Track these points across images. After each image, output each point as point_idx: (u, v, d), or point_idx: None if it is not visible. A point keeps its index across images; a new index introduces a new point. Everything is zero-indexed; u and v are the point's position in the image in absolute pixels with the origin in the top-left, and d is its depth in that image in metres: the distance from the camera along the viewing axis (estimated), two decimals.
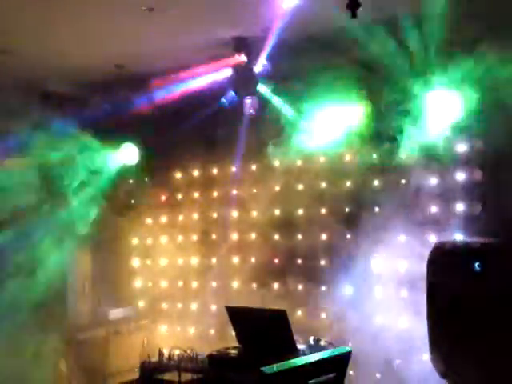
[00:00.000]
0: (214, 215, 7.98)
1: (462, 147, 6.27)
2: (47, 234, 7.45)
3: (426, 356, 5.78)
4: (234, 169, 7.82)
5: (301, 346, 5.57)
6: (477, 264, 5.28)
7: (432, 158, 6.34)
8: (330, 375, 4.87)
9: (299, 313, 7.01)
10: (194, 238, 8.11)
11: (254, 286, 7.52)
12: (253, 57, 6.93)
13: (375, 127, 6.60)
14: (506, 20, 5.77)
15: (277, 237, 7.41)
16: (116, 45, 6.85)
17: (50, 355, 7.32)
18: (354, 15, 4.97)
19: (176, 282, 8.19)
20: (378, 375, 6.54)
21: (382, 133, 6.57)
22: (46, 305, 7.51)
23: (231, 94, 7.21)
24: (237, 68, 7.03)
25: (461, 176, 6.27)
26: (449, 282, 5.41)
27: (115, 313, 8.04)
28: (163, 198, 8.40)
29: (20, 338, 7.23)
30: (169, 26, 6.41)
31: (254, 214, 7.61)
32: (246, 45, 6.88)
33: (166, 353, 5.91)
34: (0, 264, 7.18)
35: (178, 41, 6.72)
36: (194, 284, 8.05)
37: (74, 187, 7.71)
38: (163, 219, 8.39)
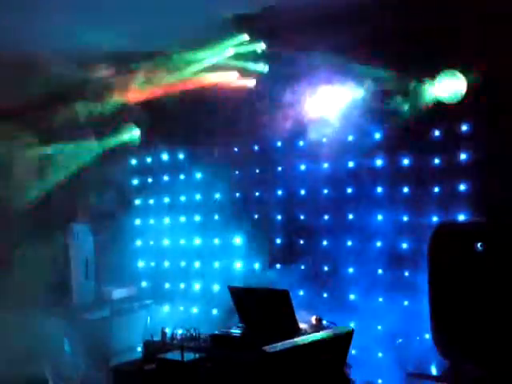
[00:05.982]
0: (217, 196, 7.97)
1: (464, 128, 6.24)
2: None
3: (428, 335, 5.83)
4: (235, 149, 7.80)
5: (303, 326, 5.59)
6: (479, 244, 5.29)
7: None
8: (332, 354, 4.91)
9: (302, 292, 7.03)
10: (197, 218, 8.11)
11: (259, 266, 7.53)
12: (254, 36, 6.88)
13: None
14: None
15: (279, 217, 7.43)
16: None
17: (54, 335, 7.36)
18: None
19: (179, 262, 8.20)
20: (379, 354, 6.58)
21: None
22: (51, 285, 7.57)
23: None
24: (239, 48, 6.99)
25: (463, 156, 6.24)
26: (451, 262, 5.42)
27: (118, 293, 8.06)
28: (166, 178, 8.40)
29: (25, 318, 7.28)
30: (166, 4, 6.26)
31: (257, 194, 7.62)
32: (248, 23, 6.82)
33: (168, 332, 5.95)
34: None
35: (176, 20, 6.55)
36: (197, 264, 8.05)
37: None
38: (166, 200, 8.40)
